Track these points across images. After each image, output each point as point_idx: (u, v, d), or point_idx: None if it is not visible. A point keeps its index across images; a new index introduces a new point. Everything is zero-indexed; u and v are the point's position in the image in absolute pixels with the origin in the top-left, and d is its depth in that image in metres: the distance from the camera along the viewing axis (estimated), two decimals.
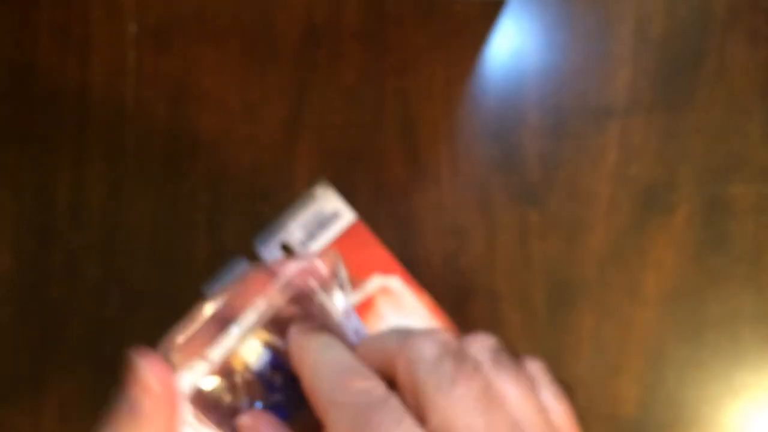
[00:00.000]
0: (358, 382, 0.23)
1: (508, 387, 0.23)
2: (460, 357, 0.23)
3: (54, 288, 0.44)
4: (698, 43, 0.42)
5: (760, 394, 0.41)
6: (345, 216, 0.37)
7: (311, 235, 0.36)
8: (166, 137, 0.44)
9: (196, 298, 0.43)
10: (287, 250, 0.38)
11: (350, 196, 0.43)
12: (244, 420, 0.26)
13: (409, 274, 0.40)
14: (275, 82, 0.44)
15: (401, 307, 0.36)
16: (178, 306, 0.44)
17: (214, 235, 0.43)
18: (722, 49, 0.42)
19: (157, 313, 0.44)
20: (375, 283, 0.36)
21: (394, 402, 0.22)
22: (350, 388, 0.23)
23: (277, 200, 0.43)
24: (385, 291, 0.36)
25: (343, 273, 0.36)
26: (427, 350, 0.23)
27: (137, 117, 0.44)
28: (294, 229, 0.36)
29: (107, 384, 0.44)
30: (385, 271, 0.37)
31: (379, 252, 0.36)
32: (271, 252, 0.37)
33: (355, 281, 0.37)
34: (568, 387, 0.28)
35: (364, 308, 0.36)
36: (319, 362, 0.25)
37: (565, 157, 0.42)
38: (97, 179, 0.44)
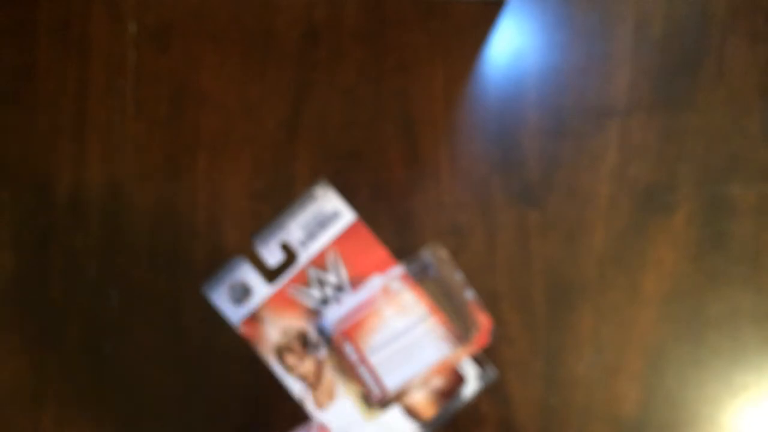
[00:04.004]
0: None
1: None
2: None
3: (54, 288, 0.44)
4: (698, 44, 0.42)
5: (759, 394, 0.41)
6: (345, 216, 0.37)
7: (311, 235, 0.36)
8: (166, 137, 0.44)
9: (196, 298, 0.44)
10: (287, 250, 0.38)
11: (350, 196, 0.43)
12: None
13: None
14: (275, 82, 0.44)
15: (401, 307, 0.36)
16: (178, 306, 0.44)
17: (214, 235, 0.43)
18: (722, 49, 0.42)
19: (157, 313, 0.44)
20: (375, 283, 0.36)
21: None
22: None
23: (276, 200, 0.43)
24: (385, 291, 0.36)
25: (344, 273, 0.36)
26: None
27: (137, 117, 0.44)
28: (294, 229, 0.36)
29: (107, 384, 0.44)
30: (385, 271, 0.37)
31: (379, 252, 0.36)
32: (271, 252, 0.37)
33: (355, 281, 0.37)
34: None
35: (364, 308, 0.36)
36: None
37: (565, 157, 0.42)
38: (97, 179, 0.44)
